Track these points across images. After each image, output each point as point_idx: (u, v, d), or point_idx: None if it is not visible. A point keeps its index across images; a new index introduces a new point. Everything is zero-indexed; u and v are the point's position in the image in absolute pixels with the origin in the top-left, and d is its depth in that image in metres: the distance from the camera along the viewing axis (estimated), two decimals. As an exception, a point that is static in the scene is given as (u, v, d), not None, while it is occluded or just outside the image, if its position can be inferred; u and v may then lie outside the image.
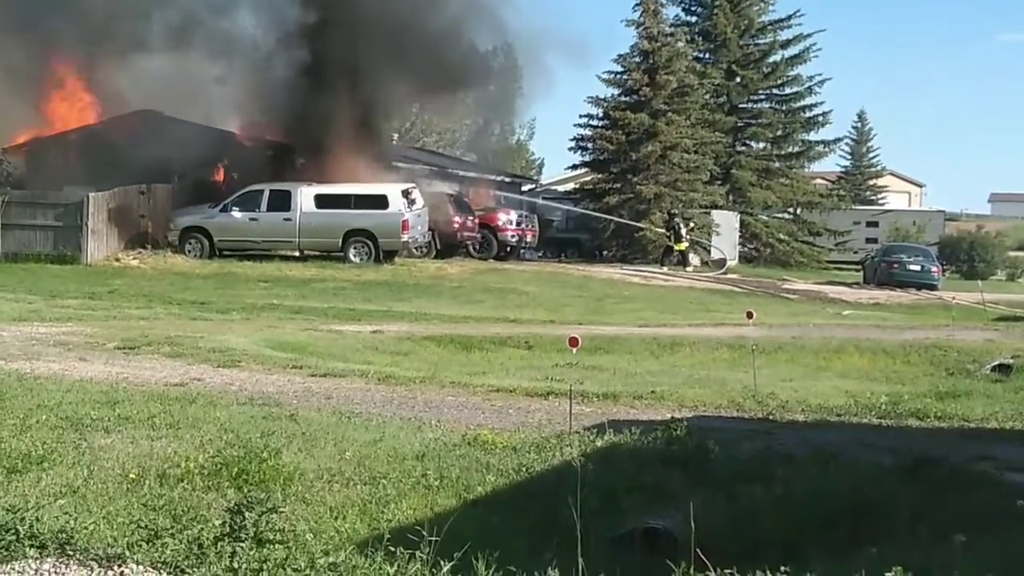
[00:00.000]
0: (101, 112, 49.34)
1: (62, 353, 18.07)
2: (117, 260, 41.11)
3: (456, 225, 46.79)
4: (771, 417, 14.63)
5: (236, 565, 7.05)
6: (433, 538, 7.30)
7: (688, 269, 49.76)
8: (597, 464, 10.76)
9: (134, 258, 41.45)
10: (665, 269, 49.21)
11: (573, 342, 14.50)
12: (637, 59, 56.84)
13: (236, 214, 42.06)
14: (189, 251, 42.04)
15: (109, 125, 47.96)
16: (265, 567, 7.01)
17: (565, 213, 59.32)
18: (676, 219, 51.30)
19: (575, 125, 58.98)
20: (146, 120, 46.28)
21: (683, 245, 50.62)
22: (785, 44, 65.86)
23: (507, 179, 65.53)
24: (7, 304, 27.59)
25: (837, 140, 72.58)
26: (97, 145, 46.25)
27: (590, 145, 58.12)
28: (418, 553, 7.23)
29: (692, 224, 52.16)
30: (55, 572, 7.13)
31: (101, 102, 49.28)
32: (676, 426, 12.33)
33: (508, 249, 50.48)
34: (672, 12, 63.91)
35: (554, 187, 73.94)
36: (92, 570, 7.20)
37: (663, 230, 51.81)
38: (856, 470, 11.14)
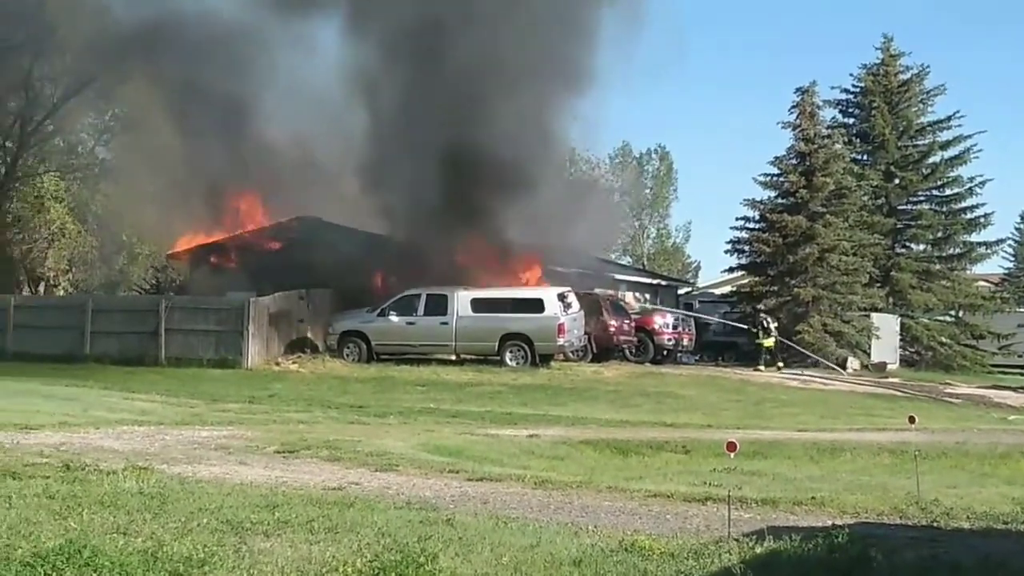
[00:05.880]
0: (262, 218, 50.35)
1: (223, 457, 18.27)
2: (277, 364, 41.70)
3: (612, 328, 46.72)
4: (935, 524, 14.25)
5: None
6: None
7: (780, 367, 49.06)
8: (757, 571, 10.58)
9: (293, 362, 42.01)
10: (762, 369, 48.48)
11: (731, 447, 14.30)
12: (794, 161, 56.59)
13: (393, 318, 42.48)
14: (347, 355, 42.51)
15: (269, 230, 48.97)
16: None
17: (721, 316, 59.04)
18: (761, 315, 50.75)
19: (731, 228, 58.88)
20: (305, 225, 47.19)
21: (770, 341, 49.85)
22: (945, 145, 65.22)
23: (663, 282, 65.57)
24: (171, 408, 28.09)
25: (1000, 241, 71.39)
26: (258, 250, 47.22)
27: (747, 248, 57.81)
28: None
29: (776, 322, 51.24)
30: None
31: (262, 208, 50.32)
32: (838, 533, 12.08)
33: (665, 353, 50.30)
34: (829, 114, 63.79)
35: (711, 290, 73.62)
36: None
37: (749, 327, 51.33)
38: (1026, 580, 10.84)
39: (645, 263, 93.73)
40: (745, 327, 52.29)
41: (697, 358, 54.64)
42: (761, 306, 52.08)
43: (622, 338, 47.51)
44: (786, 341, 50.55)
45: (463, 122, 43.85)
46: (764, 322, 50.05)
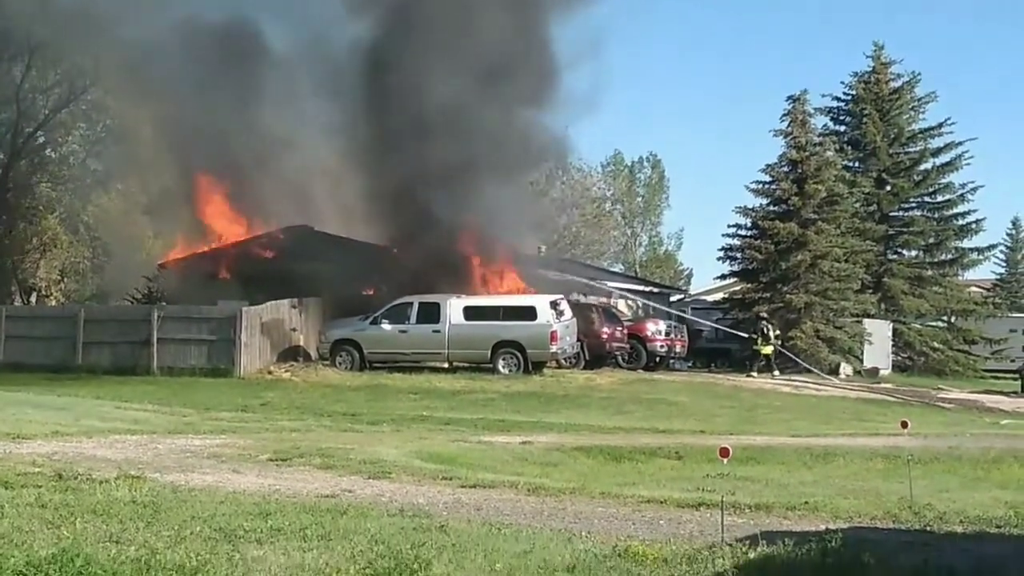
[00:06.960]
0: (253, 227, 50.33)
1: (215, 465, 18.24)
2: (269, 373, 41.70)
3: (605, 335, 46.73)
4: (929, 529, 14.22)
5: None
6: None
7: (775, 374, 48.81)
8: (750, 576, 10.57)
9: (286, 371, 41.99)
10: (755, 375, 48.24)
11: (724, 452, 14.31)
12: (785, 169, 56.49)
13: (386, 326, 42.41)
14: (340, 363, 42.47)
15: (261, 240, 48.93)
16: None
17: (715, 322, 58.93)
18: (763, 322, 50.51)
19: (723, 235, 58.79)
20: (297, 235, 47.17)
21: (769, 349, 49.56)
22: (936, 152, 65.32)
23: (655, 289, 65.55)
24: (163, 417, 28.06)
25: (991, 247, 71.51)
26: (249, 259, 47.20)
27: (739, 255, 57.72)
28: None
29: (778, 331, 50.92)
30: None
31: (253, 217, 50.30)
32: (831, 538, 12.07)
33: (657, 359, 50.29)
34: (820, 122, 63.74)
35: (703, 297, 73.60)
36: None
37: (749, 334, 51.07)
38: (1019, 583, 10.83)
39: (637, 270, 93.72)
40: (743, 334, 52.04)
41: (690, 364, 54.68)
42: (764, 313, 51.72)
43: (615, 345, 47.50)
44: (783, 350, 50.34)
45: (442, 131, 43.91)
46: (765, 328, 49.77)
